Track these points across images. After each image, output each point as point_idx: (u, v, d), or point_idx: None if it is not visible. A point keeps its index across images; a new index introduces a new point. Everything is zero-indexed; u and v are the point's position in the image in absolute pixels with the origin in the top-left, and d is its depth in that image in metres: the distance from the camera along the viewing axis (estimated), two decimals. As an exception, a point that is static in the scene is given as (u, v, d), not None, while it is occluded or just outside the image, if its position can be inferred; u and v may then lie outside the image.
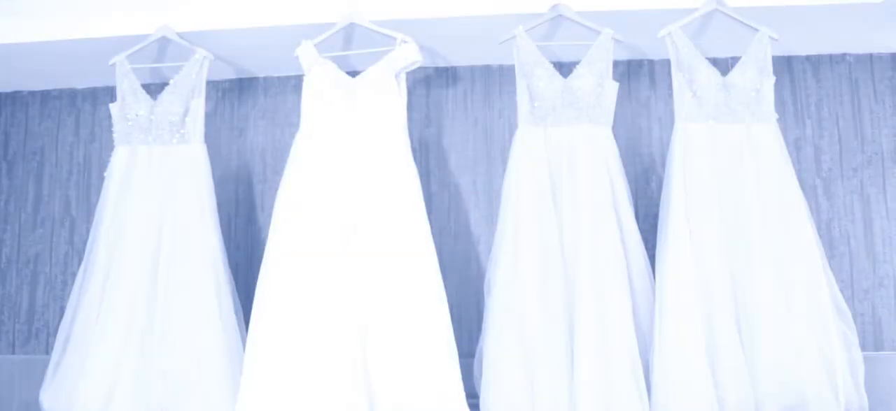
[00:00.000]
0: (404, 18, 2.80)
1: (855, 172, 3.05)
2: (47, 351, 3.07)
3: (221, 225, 2.86)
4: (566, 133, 2.72)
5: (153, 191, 2.81)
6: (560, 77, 2.76)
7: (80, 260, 2.85)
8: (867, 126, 3.07)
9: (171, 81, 2.91)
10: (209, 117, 3.10)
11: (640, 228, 2.71)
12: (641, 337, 2.57)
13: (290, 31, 2.86)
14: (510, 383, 2.53)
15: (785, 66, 3.10)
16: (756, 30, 2.75)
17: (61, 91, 3.40)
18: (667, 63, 2.84)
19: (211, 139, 2.98)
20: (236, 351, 2.68)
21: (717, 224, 2.61)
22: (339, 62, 2.87)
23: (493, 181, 3.12)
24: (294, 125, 2.88)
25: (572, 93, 2.74)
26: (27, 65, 3.16)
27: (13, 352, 3.26)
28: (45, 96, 3.41)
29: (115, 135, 2.91)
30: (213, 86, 3.26)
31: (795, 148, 3.05)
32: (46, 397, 2.70)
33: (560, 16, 2.79)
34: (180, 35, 2.91)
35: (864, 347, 2.69)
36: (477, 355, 2.67)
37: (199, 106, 2.89)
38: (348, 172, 2.67)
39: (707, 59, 2.77)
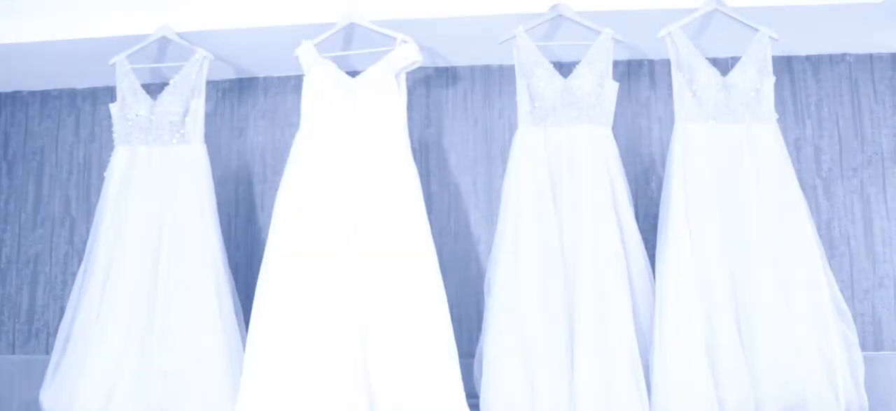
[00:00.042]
0: (404, 18, 2.80)
1: (855, 172, 3.05)
2: (47, 351, 3.07)
3: (221, 225, 2.86)
4: (566, 133, 2.72)
5: (153, 191, 2.81)
6: (560, 77, 2.76)
7: (80, 260, 2.85)
8: (867, 126, 3.07)
9: (171, 81, 2.91)
10: (209, 117, 3.09)
11: (640, 228, 2.71)
12: (641, 337, 2.56)
13: (290, 31, 2.85)
14: (510, 383, 2.53)
15: (785, 66, 3.10)
16: (756, 30, 2.75)
17: (61, 91, 3.40)
18: (667, 63, 2.84)
19: (211, 139, 2.98)
20: (236, 351, 2.68)
21: (717, 224, 2.61)
22: (339, 62, 2.87)
23: (493, 181, 3.12)
24: (294, 125, 2.88)
25: (572, 93, 2.74)
26: (27, 65, 3.16)
27: (13, 352, 3.26)
28: (45, 96, 3.41)
29: (115, 135, 2.91)
30: (213, 86, 3.26)
31: (795, 148, 3.05)
32: (46, 397, 2.70)
33: (560, 16, 2.79)
34: (180, 35, 2.91)
35: (864, 347, 2.68)
36: (477, 355, 2.67)
37: (199, 106, 2.89)
38: (348, 172, 2.67)
39: (707, 59, 2.77)
